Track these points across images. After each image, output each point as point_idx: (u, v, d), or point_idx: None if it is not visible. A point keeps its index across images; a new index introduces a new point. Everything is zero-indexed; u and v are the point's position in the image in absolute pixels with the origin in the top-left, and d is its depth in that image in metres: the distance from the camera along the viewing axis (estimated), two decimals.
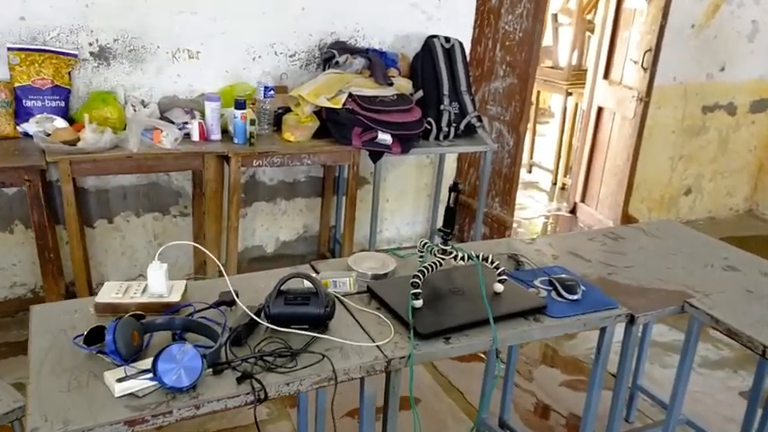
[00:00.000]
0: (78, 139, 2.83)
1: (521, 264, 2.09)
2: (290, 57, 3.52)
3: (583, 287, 1.92)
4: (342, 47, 3.48)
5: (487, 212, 4.26)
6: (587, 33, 5.67)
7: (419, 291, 1.70)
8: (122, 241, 3.46)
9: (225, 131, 3.17)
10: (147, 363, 1.40)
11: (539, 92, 6.10)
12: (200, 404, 1.35)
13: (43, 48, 2.98)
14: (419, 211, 4.26)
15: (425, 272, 1.74)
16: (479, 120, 3.64)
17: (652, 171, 4.86)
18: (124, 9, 3.10)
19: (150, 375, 1.36)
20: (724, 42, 4.76)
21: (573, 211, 5.19)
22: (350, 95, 3.21)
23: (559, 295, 1.88)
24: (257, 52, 3.44)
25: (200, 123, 3.04)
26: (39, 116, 2.95)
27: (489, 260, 1.83)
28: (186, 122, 3.08)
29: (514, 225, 4.84)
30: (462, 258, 1.84)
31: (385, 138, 3.22)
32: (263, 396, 1.39)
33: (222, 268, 1.64)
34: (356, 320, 1.69)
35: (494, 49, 4.07)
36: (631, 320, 1.87)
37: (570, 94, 5.64)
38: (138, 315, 1.57)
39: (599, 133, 4.86)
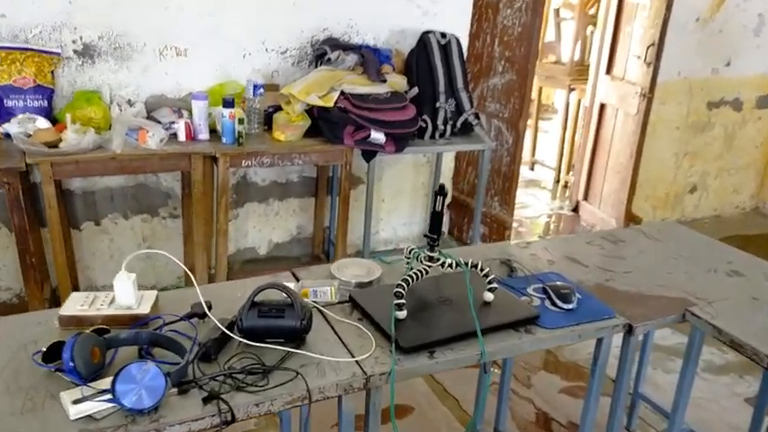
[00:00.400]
0: (60, 140, 2.75)
1: (514, 270, 1.99)
2: (282, 54, 3.42)
3: (578, 295, 1.82)
4: (334, 43, 3.38)
5: (486, 212, 4.16)
6: (590, 28, 5.54)
7: (402, 301, 1.61)
8: (110, 244, 3.38)
9: (213, 131, 3.08)
10: (107, 382, 1.31)
11: (541, 88, 5.99)
12: (161, 427, 1.26)
13: (25, 46, 2.89)
14: (416, 210, 4.16)
15: (410, 280, 1.65)
16: (476, 117, 3.54)
17: (656, 168, 4.74)
18: (109, 5, 3.01)
19: (109, 396, 1.27)
20: (729, 36, 4.63)
21: (575, 209, 5.08)
22: (342, 93, 3.12)
23: (553, 304, 1.78)
24: (247, 49, 3.34)
25: (186, 123, 2.95)
26: (21, 116, 2.86)
27: (479, 267, 1.73)
28: (173, 122, 2.99)
29: (515, 225, 4.74)
30: (450, 266, 1.74)
31: (378, 137, 3.12)
32: (229, 418, 1.30)
33: (193, 277, 1.55)
34: (336, 333, 1.60)
35: (492, 45, 3.96)
36: (629, 330, 1.77)
37: (573, 89, 5.53)
38: (101, 329, 1.48)
39: (601, 130, 4.75)
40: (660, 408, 2.64)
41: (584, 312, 1.76)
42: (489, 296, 1.73)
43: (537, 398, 2.92)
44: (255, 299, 1.53)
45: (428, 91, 3.43)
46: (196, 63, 3.25)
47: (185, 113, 3.07)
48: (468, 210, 4.14)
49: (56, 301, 3.06)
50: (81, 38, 3.02)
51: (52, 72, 2.95)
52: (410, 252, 1.82)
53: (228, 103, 2.94)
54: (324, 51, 3.30)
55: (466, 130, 3.54)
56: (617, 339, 1.83)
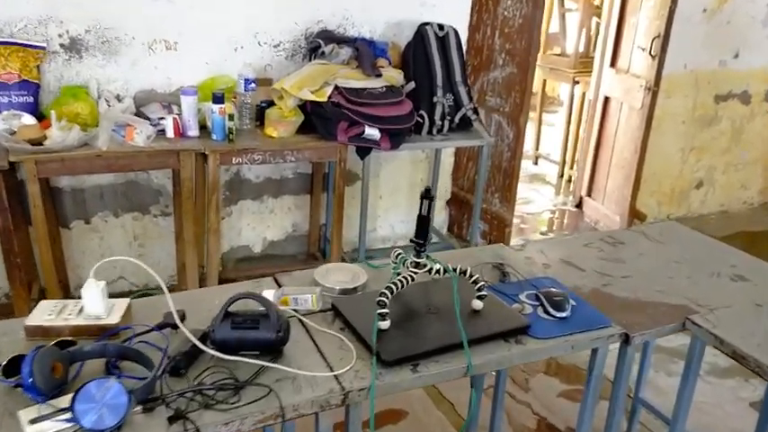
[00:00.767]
0: (45, 137, 2.68)
1: (506, 275, 1.90)
2: (275, 47, 3.33)
3: (573, 302, 1.74)
4: (328, 36, 3.29)
5: (487, 209, 4.07)
6: (595, 19, 5.43)
7: (386, 311, 1.53)
8: (101, 242, 3.31)
9: (204, 127, 3.00)
10: (69, 399, 1.24)
11: (545, 80, 5.88)
12: None
13: (9, 40, 2.81)
14: (414, 208, 4.02)
15: (394, 288, 1.57)
16: (475, 112, 3.44)
17: (662, 163, 4.63)
18: None
19: (68, 415, 1.20)
20: (737, 28, 4.51)
21: (579, 205, 4.98)
22: (336, 88, 3.03)
23: (546, 312, 1.70)
24: (239, 42, 3.26)
25: (174, 119, 2.87)
26: (5, 113, 2.78)
27: (467, 273, 1.65)
28: (161, 118, 2.91)
29: (517, 221, 4.66)
30: (438, 272, 1.66)
31: (372, 133, 3.04)
32: None
33: (164, 286, 1.47)
34: (315, 344, 1.52)
35: (492, 37, 3.86)
36: (626, 340, 1.68)
37: (577, 82, 5.42)
38: (66, 342, 1.41)
39: (606, 124, 4.64)
40: (661, 414, 2.54)
41: (579, 321, 1.68)
42: (478, 304, 1.65)
43: (535, 402, 2.84)
44: (230, 309, 1.46)
45: (425, 85, 3.34)
46: (187, 57, 3.17)
47: (175, 109, 2.99)
48: (469, 206, 4.05)
49: None
50: (67, 32, 2.94)
51: (38, 67, 2.88)
52: (397, 257, 1.74)
53: (218, 99, 2.86)
54: (317, 45, 3.21)
55: (464, 126, 3.44)
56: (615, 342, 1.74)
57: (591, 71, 4.87)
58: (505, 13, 3.75)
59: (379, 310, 1.52)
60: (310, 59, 3.27)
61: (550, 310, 1.69)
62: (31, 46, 2.85)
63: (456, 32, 3.45)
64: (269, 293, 1.64)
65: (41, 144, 2.66)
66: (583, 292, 1.86)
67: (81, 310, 1.52)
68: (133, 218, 3.34)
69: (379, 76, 3.14)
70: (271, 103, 3.11)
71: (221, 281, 3.28)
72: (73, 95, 2.88)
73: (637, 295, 1.87)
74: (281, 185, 3.61)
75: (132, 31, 3.04)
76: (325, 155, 3.13)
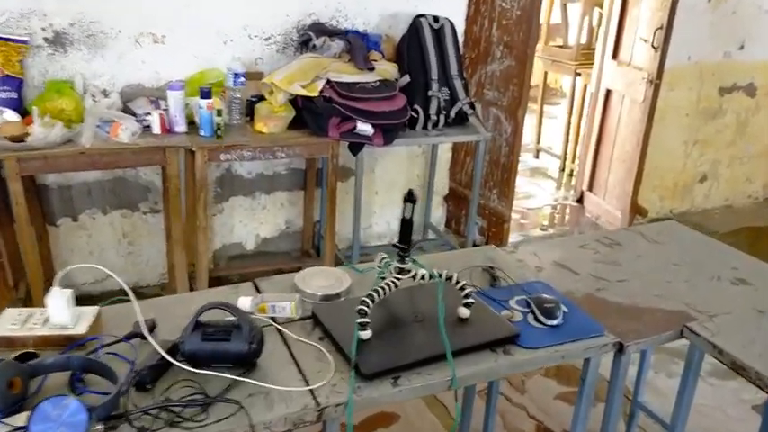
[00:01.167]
0: (27, 134, 2.60)
1: (497, 279, 1.83)
2: (266, 40, 3.25)
3: (565, 309, 1.66)
4: (320, 28, 3.20)
5: (485, 205, 3.99)
6: (597, 10, 5.32)
7: (366, 320, 1.45)
8: (89, 240, 3.25)
9: (192, 123, 2.92)
10: (26, 417, 1.18)
11: (546, 72, 5.78)
12: None
13: None
14: (418, 199, 3.98)
15: (376, 296, 1.49)
16: (472, 107, 3.35)
17: (664, 157, 4.54)
18: None
19: None
20: (743, 18, 4.40)
21: (580, 200, 4.90)
22: (327, 82, 2.95)
23: (537, 319, 1.62)
24: (229, 35, 3.17)
25: (161, 115, 2.80)
26: None
27: (454, 279, 1.58)
28: (148, 114, 2.83)
29: (517, 216, 4.58)
30: (423, 277, 1.58)
31: (365, 128, 2.96)
32: None
33: (131, 294, 1.40)
34: (292, 355, 1.45)
35: (490, 29, 3.76)
36: (620, 349, 1.61)
37: (579, 74, 5.32)
38: (28, 354, 1.35)
39: (607, 118, 4.55)
40: (660, 419, 2.47)
41: (570, 329, 1.60)
42: (465, 312, 1.58)
43: (531, 405, 2.77)
44: (202, 318, 1.39)
45: (420, 79, 3.25)
46: (175, 51, 3.09)
47: (163, 104, 2.91)
48: (467, 202, 3.96)
49: (31, 301, 2.93)
50: (51, 25, 2.86)
51: (21, 62, 2.81)
52: (381, 261, 1.67)
53: (205, 94, 2.79)
54: (309, 37, 3.13)
55: (460, 120, 3.36)
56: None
57: (593, 63, 4.77)
58: (503, 4, 3.65)
59: (359, 320, 1.45)
60: (301, 53, 3.19)
61: (541, 317, 1.62)
62: (13, 40, 2.77)
63: (452, 24, 3.36)
64: (245, 300, 1.57)
65: (23, 141, 2.59)
66: (576, 297, 1.79)
67: (47, 320, 1.45)
68: (122, 215, 3.27)
69: (372, 69, 3.05)
70: (261, 98, 3.03)
71: (213, 279, 3.21)
72: (57, 91, 2.81)
73: (633, 300, 1.80)
74: (274, 181, 3.54)
75: (118, 24, 2.96)
76: (316, 151, 3.05)
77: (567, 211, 4.94)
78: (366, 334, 1.46)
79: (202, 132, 2.84)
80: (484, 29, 3.79)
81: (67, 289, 1.44)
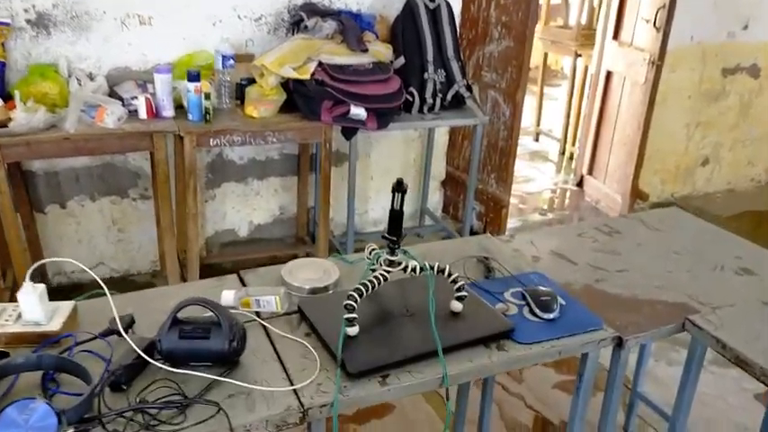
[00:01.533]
0: (9, 119, 2.53)
1: (491, 270, 1.76)
2: (256, 21, 3.15)
3: (562, 301, 1.59)
4: (312, 8, 3.11)
5: (483, 189, 3.91)
6: None
7: (354, 315, 1.39)
8: (78, 227, 3.18)
9: (180, 107, 2.84)
10: None
11: (546, 54, 5.67)
12: None
13: None
14: (408, 189, 3.91)
15: (364, 290, 1.42)
16: (469, 89, 3.27)
17: (666, 140, 4.45)
18: None
19: None
20: None
21: (579, 184, 4.82)
22: (319, 64, 2.86)
23: (532, 313, 1.56)
24: (218, 16, 3.08)
25: (147, 99, 2.72)
26: None
27: (446, 272, 1.51)
28: (134, 98, 2.75)
29: (516, 201, 4.51)
30: (414, 270, 1.51)
31: (358, 112, 2.88)
32: None
33: (105, 286, 1.33)
34: (276, 353, 1.39)
35: (488, 9, 3.66)
36: (619, 343, 1.54)
37: (579, 55, 5.22)
38: None
39: (608, 100, 4.46)
40: (660, 410, 2.42)
41: (568, 323, 1.53)
42: (458, 306, 1.51)
43: (529, 394, 2.72)
44: (180, 315, 1.32)
45: (415, 61, 3.17)
46: (162, 32, 3.00)
47: (151, 87, 2.83)
48: (464, 187, 3.88)
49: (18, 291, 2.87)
50: (34, 6, 2.78)
51: (2, 44, 2.72)
52: (371, 252, 1.60)
53: (193, 77, 2.70)
54: (300, 18, 3.04)
55: (457, 103, 3.28)
56: None
57: (594, 44, 4.67)
58: None
59: (347, 315, 1.38)
60: (293, 34, 3.10)
61: (537, 310, 1.55)
62: None
63: (448, 4, 3.26)
64: (229, 294, 1.51)
65: (6, 126, 2.51)
66: (574, 288, 1.72)
67: (20, 316, 1.39)
68: (111, 201, 3.20)
69: (366, 51, 2.96)
70: (251, 81, 2.94)
71: (205, 266, 3.15)
72: (41, 74, 2.73)
73: (632, 292, 1.73)
74: (267, 167, 3.46)
75: (103, 5, 2.87)
76: (309, 136, 2.97)
77: (567, 195, 4.87)
78: (353, 330, 1.40)
79: (191, 117, 2.77)
80: (482, 9, 3.69)
81: (40, 284, 1.38)
